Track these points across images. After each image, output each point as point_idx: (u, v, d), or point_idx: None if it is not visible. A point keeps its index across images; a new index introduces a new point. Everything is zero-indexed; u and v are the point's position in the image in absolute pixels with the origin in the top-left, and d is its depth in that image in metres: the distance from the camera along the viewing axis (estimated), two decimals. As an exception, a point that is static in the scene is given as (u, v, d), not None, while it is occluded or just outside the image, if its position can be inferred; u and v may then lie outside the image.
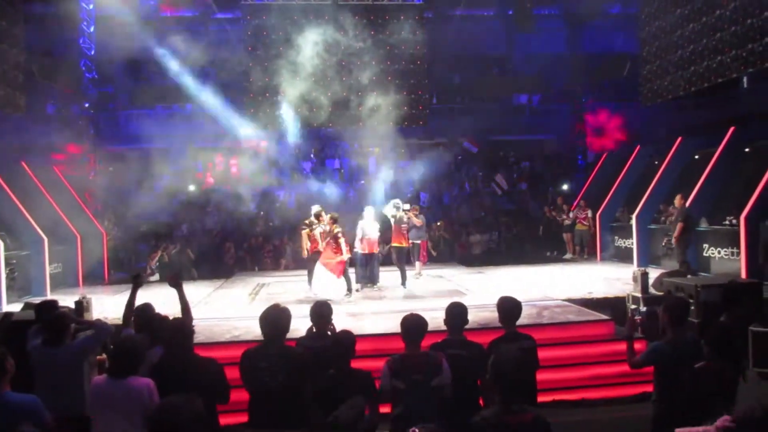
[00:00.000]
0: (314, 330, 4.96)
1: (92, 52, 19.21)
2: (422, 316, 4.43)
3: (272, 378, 4.10)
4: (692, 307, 7.62)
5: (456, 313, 4.68)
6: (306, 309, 5.16)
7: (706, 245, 12.41)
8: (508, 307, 4.83)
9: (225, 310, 9.84)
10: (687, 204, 12.31)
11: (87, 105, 19.64)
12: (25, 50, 14.35)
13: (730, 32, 12.48)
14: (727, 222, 12.11)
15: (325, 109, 19.90)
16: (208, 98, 21.46)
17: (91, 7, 18.96)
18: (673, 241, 11.86)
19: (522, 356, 3.54)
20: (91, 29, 19.11)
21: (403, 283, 11.64)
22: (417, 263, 13.17)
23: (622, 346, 7.44)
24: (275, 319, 4.29)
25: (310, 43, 19.35)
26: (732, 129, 12.93)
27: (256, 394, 4.21)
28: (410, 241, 12.62)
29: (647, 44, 15.90)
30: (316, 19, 19.69)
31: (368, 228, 11.49)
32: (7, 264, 11.27)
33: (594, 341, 7.83)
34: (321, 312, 4.90)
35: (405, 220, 12.12)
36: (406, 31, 20.25)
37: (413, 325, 4.36)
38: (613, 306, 9.50)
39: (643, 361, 4.64)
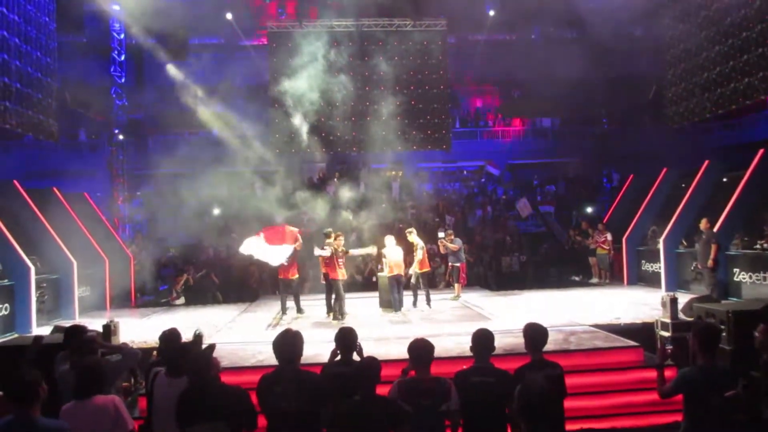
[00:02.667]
0: (339, 355, 4.95)
1: (122, 80, 19.71)
2: (429, 341, 4.47)
3: (287, 402, 4.12)
4: (723, 334, 7.47)
5: (482, 340, 4.65)
6: (328, 334, 5.17)
7: (736, 270, 12.16)
8: (535, 334, 4.76)
9: (249, 335, 9.86)
10: (716, 228, 12.12)
11: (117, 131, 20.08)
12: (59, 79, 14.76)
13: (757, 54, 12.37)
14: (758, 246, 11.86)
15: (348, 133, 20.12)
16: (234, 123, 21.82)
17: (122, 36, 19.51)
18: (710, 263, 11.59)
19: (548, 385, 3.49)
20: (122, 58, 19.62)
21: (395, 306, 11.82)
22: (456, 285, 13.29)
23: (652, 374, 7.29)
24: (288, 344, 4.35)
25: (334, 68, 19.64)
26: (761, 151, 12.71)
27: (271, 419, 4.23)
28: (450, 264, 13.55)
29: (672, 66, 15.81)
30: (340, 44, 20.02)
31: (391, 252, 11.66)
32: (37, 287, 11.48)
33: (623, 368, 7.66)
34: (346, 337, 4.90)
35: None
36: (430, 56, 20.45)
37: (421, 350, 4.40)
38: (641, 332, 9.31)
39: (673, 389, 4.45)
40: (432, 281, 16.44)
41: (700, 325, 4.81)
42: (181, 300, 14.88)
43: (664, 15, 15.99)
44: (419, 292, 12.29)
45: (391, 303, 11.64)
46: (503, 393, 4.26)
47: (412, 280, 12.32)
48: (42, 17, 13.69)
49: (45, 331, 9.34)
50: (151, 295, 16.16)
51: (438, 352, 4.83)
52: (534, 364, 4.66)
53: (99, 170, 20.59)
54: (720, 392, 4.02)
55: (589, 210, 21.64)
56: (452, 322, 10.61)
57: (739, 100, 13.22)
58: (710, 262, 11.56)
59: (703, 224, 12.03)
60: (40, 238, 12.73)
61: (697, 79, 14.61)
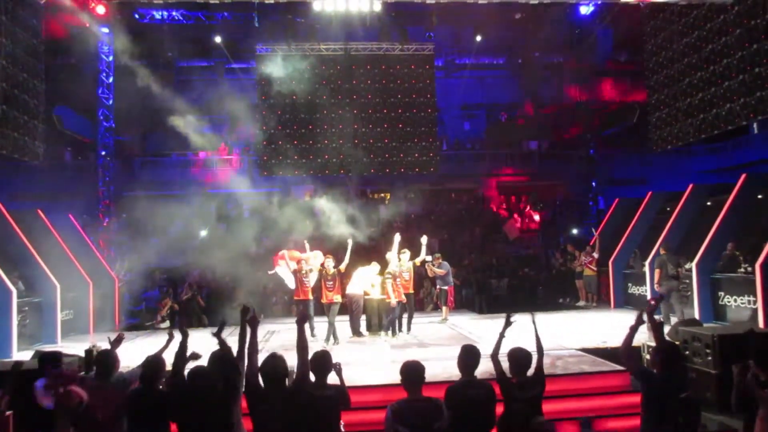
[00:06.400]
0: (313, 379, 4.91)
1: (110, 102, 19.68)
2: (421, 363, 4.59)
3: (272, 422, 4.32)
4: (709, 358, 7.50)
5: (469, 355, 4.90)
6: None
7: (721, 293, 12.23)
8: (519, 358, 5.13)
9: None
10: (701, 250, 12.21)
11: (104, 153, 19.99)
12: (46, 100, 14.68)
13: (738, 81, 12.59)
14: (742, 270, 11.95)
15: (336, 155, 20.20)
16: (222, 145, 21.81)
17: (110, 59, 19.53)
18: (656, 286, 11.74)
19: (532, 413, 3.60)
20: (110, 80, 19.62)
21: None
22: (444, 308, 13.28)
23: (639, 398, 7.32)
24: (272, 368, 4.56)
25: (322, 91, 19.79)
26: (744, 176, 12.87)
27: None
28: (438, 287, 13.53)
29: (656, 92, 16.06)
30: (329, 68, 20.18)
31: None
32: (19, 311, 11.28)
33: (609, 393, 7.66)
34: (320, 362, 4.86)
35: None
36: (417, 79, 20.66)
37: (413, 371, 4.52)
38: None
39: (638, 367, 5.16)
40: (420, 304, 16.40)
41: (662, 343, 5.32)
42: (166, 324, 14.70)
43: (647, 42, 16.29)
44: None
45: (384, 326, 11.50)
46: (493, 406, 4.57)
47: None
48: (30, 39, 13.66)
49: (26, 355, 9.15)
50: (135, 318, 15.95)
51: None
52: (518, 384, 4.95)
53: (85, 192, 20.41)
54: (675, 396, 4.41)
55: (575, 232, 21.76)
56: (440, 345, 10.55)
57: (721, 126, 13.42)
58: (656, 285, 11.68)
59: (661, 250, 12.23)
60: (23, 260, 12.55)
61: (680, 104, 14.83)
